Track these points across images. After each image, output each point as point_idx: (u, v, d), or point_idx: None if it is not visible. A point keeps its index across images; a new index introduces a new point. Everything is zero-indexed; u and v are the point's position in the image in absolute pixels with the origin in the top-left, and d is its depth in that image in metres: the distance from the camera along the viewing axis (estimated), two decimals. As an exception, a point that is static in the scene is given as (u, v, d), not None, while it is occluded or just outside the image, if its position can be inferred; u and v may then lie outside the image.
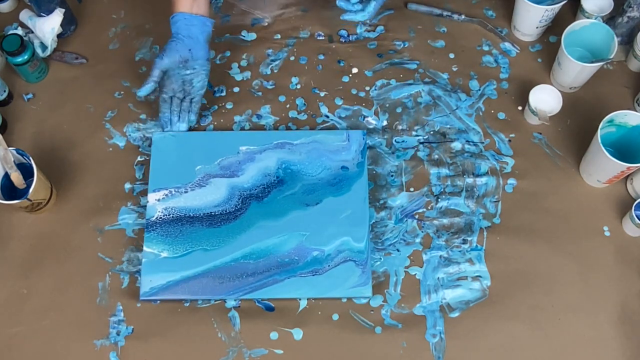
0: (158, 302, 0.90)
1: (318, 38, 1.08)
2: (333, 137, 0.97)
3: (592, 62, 0.95)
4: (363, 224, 0.91)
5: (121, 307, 0.90)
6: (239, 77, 1.05)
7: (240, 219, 0.92)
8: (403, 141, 1.00)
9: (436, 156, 0.99)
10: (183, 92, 0.97)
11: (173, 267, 0.89)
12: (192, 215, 0.92)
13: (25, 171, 0.91)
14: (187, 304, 0.89)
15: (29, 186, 0.89)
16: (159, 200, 0.93)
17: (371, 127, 1.01)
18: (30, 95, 1.03)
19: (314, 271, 0.89)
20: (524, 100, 1.02)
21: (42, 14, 1.02)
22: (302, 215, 0.92)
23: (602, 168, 0.91)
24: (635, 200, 0.92)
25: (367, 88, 1.04)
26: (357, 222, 0.91)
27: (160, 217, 0.92)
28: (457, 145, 0.99)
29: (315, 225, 0.91)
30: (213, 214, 0.92)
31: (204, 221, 0.92)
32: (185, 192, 0.93)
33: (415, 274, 0.92)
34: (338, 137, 0.97)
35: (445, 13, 1.09)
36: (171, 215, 0.92)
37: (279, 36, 1.08)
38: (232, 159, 0.95)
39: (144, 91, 0.94)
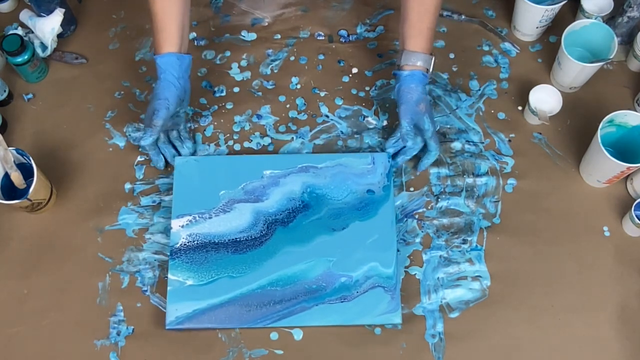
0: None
1: (318, 38, 1.08)
2: (358, 160, 0.95)
3: (592, 62, 0.95)
4: (391, 248, 0.90)
5: (121, 307, 0.90)
6: (239, 77, 1.05)
7: (266, 245, 0.91)
8: (403, 141, 1.00)
9: (436, 156, 0.99)
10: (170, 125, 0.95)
11: (199, 295, 0.88)
12: (217, 241, 0.91)
13: (25, 171, 0.91)
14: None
15: (29, 186, 0.89)
16: (182, 226, 0.91)
17: (371, 127, 1.01)
18: (30, 95, 1.03)
19: (342, 298, 0.88)
20: (524, 100, 1.01)
21: (42, 14, 1.02)
22: (328, 240, 0.91)
23: (602, 168, 0.91)
24: (635, 200, 0.92)
25: (367, 88, 1.04)
26: (385, 247, 0.90)
27: (185, 244, 0.90)
28: (457, 145, 0.99)
29: (342, 251, 0.90)
30: (238, 239, 0.91)
31: (229, 247, 0.91)
32: (210, 217, 0.92)
33: (415, 274, 0.92)
34: (363, 160, 0.95)
35: (445, 13, 1.09)
36: (196, 242, 0.91)
37: (279, 36, 1.08)
38: (256, 184, 0.94)
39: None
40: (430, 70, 0.92)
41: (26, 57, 0.99)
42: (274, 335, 0.88)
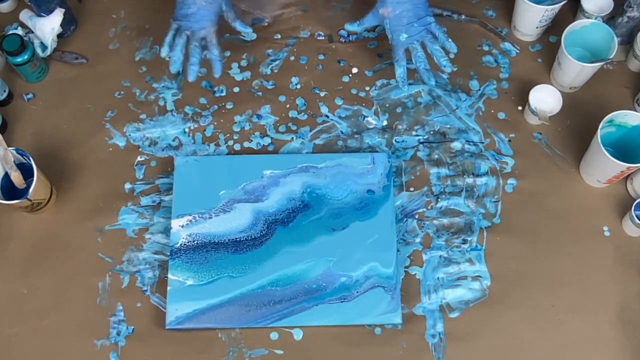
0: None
1: (318, 38, 1.08)
2: (358, 161, 0.95)
3: (592, 62, 0.95)
4: (391, 248, 0.90)
5: (121, 307, 0.90)
6: (239, 77, 1.05)
7: (266, 245, 0.91)
8: (403, 141, 1.00)
9: (436, 156, 0.99)
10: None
11: (199, 295, 0.88)
12: (217, 241, 0.91)
13: (25, 171, 0.91)
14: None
15: (29, 186, 0.89)
16: (182, 226, 0.91)
17: (371, 127, 1.01)
18: (30, 95, 1.03)
19: (342, 298, 0.88)
20: (524, 100, 1.01)
21: (42, 14, 1.02)
22: (328, 240, 0.91)
23: (602, 168, 0.91)
24: (635, 200, 0.92)
25: (367, 88, 1.04)
26: (385, 247, 0.90)
27: (185, 244, 0.91)
28: (457, 145, 0.99)
29: (342, 251, 0.90)
30: (238, 239, 0.91)
31: (229, 247, 0.91)
32: (210, 217, 0.92)
33: (415, 274, 0.92)
34: (363, 160, 0.95)
35: (445, 13, 1.09)
36: (196, 242, 0.91)
37: (279, 36, 1.08)
38: (256, 184, 0.94)
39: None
40: None
41: (26, 57, 0.99)
42: (274, 335, 0.88)
